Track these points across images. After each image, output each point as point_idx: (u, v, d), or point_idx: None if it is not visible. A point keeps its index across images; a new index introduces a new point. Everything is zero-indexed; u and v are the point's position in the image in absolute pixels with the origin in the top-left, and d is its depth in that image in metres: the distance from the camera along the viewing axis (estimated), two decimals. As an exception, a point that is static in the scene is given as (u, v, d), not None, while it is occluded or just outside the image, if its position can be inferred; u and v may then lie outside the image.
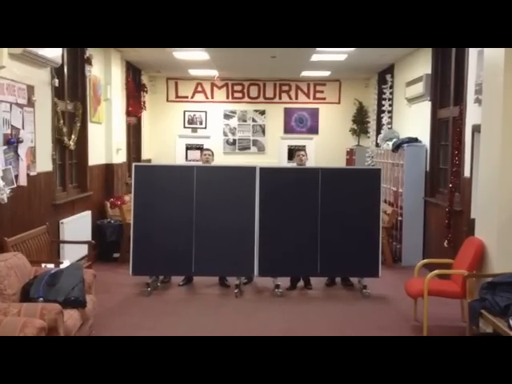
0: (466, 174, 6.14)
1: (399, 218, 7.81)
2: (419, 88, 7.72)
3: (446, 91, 7.11)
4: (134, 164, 6.44)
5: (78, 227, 6.81)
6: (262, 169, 6.23)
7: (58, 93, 6.53)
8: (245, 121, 12.06)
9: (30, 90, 5.62)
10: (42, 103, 5.99)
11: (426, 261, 5.78)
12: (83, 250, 6.49)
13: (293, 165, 7.20)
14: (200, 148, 12.01)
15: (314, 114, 12.00)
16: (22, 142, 5.32)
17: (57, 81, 6.32)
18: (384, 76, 9.84)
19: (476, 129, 5.68)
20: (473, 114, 5.90)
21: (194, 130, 12.07)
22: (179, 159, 11.83)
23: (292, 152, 12.07)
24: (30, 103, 5.62)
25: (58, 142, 6.61)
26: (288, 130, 12.09)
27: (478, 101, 5.67)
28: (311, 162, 11.76)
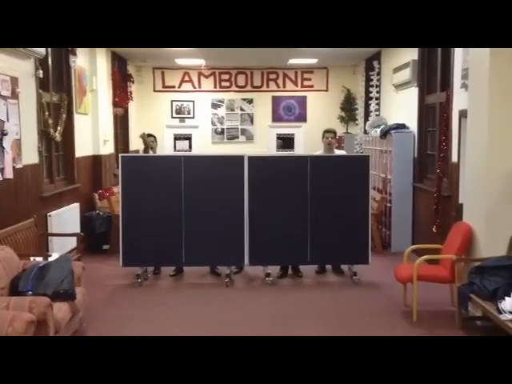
0: (454, 159, 6.16)
1: (388, 205, 7.84)
2: (406, 74, 7.72)
3: (433, 77, 7.11)
4: (120, 155, 6.40)
5: (66, 220, 6.77)
6: (250, 158, 6.20)
7: (42, 84, 6.46)
8: (233, 110, 12.01)
9: (14, 81, 5.55)
10: (27, 95, 5.93)
11: (415, 246, 5.83)
12: (72, 243, 6.45)
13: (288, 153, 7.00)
14: (188, 138, 12.00)
15: (302, 101, 11.96)
16: (6, 134, 5.27)
17: (41, 72, 6.25)
18: (371, 63, 9.82)
19: (463, 114, 5.69)
20: (460, 100, 5.91)
21: (182, 119, 12.00)
22: (168, 149, 11.76)
23: (282, 140, 12.07)
24: (15, 95, 5.56)
25: (44, 134, 6.55)
26: (276, 118, 12.05)
27: (464, 86, 5.68)
28: (300, 150, 11.78)
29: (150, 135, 7.15)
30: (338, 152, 6.84)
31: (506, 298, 4.12)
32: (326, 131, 6.70)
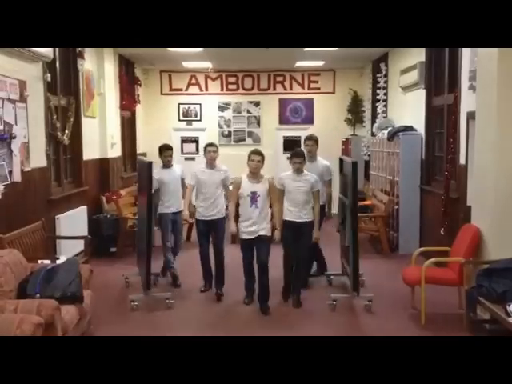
0: (462, 161, 6.14)
1: (395, 207, 7.81)
2: (413, 76, 7.70)
3: (441, 78, 7.09)
4: (138, 157, 6.50)
5: (73, 222, 6.79)
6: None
7: (50, 87, 6.50)
8: (239, 112, 12.01)
9: (22, 85, 5.58)
10: (35, 98, 5.96)
11: (422, 249, 5.79)
12: (79, 246, 6.46)
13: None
14: (195, 141, 12.00)
15: (309, 104, 11.95)
16: (15, 137, 5.30)
17: (49, 75, 6.29)
18: (378, 65, 9.80)
19: (471, 116, 5.67)
20: (467, 101, 5.89)
21: (189, 122, 12.02)
22: (175, 152, 11.71)
23: (288, 144, 12.00)
24: (23, 98, 5.59)
25: (52, 137, 6.59)
26: (283, 120, 12.04)
27: (472, 87, 5.65)
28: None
29: (166, 148, 6.33)
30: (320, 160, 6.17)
31: (515, 300, 4.10)
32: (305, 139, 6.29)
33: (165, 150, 6.24)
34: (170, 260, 6.20)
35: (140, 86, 10.82)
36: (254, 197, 5.25)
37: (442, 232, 6.42)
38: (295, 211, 5.42)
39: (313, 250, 5.92)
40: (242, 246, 5.39)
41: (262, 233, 5.26)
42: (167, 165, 6.21)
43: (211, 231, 5.89)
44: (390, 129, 8.26)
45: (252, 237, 5.27)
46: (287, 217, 5.46)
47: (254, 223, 5.26)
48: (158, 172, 6.09)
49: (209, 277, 6.01)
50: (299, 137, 12.04)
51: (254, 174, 5.33)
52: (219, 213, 5.86)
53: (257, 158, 5.28)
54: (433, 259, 5.04)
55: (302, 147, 6.40)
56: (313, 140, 6.18)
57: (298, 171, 5.44)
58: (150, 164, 5.41)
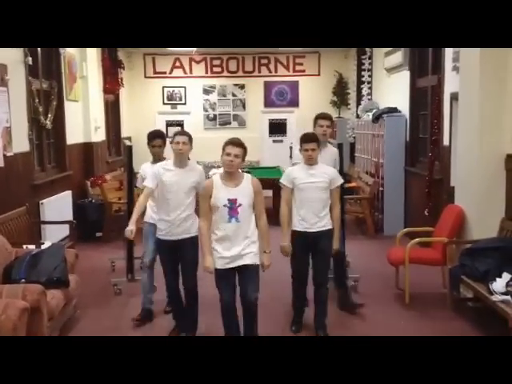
0: (446, 142, 6.18)
1: (380, 189, 7.86)
2: (398, 58, 7.71)
3: (425, 60, 7.11)
4: (126, 143, 6.45)
5: (58, 207, 6.74)
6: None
7: (32, 71, 6.39)
8: (224, 95, 11.95)
9: (3, 69, 5.50)
10: (16, 82, 5.88)
11: (407, 230, 5.84)
12: (65, 231, 6.43)
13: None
14: (180, 124, 11.93)
15: (294, 86, 11.92)
16: (-4, 122, 5.23)
17: (30, 59, 6.19)
18: (363, 46, 9.79)
19: (454, 97, 5.70)
20: (451, 82, 5.92)
21: (174, 106, 11.94)
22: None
23: (274, 127, 11.99)
24: (4, 83, 5.51)
25: (35, 122, 6.51)
26: (268, 103, 12.01)
27: (455, 69, 5.68)
28: (293, 135, 11.75)
29: (155, 136, 4.79)
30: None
31: (497, 279, 4.16)
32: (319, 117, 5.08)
33: (153, 139, 4.73)
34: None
35: (123, 69, 10.69)
36: (232, 207, 3.65)
37: (426, 213, 6.48)
38: (308, 217, 4.15)
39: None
40: (218, 278, 3.76)
41: (247, 261, 3.68)
42: (157, 158, 4.63)
43: (178, 256, 4.17)
44: (374, 111, 8.29)
45: (232, 265, 3.69)
46: (296, 226, 4.21)
47: (235, 245, 3.67)
48: (146, 167, 4.71)
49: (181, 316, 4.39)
50: (285, 119, 12.05)
51: (230, 175, 3.70)
52: (191, 229, 4.07)
53: (234, 150, 3.65)
54: (417, 239, 5.10)
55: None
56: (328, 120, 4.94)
57: (312, 161, 4.18)
58: (129, 147, 5.36)
